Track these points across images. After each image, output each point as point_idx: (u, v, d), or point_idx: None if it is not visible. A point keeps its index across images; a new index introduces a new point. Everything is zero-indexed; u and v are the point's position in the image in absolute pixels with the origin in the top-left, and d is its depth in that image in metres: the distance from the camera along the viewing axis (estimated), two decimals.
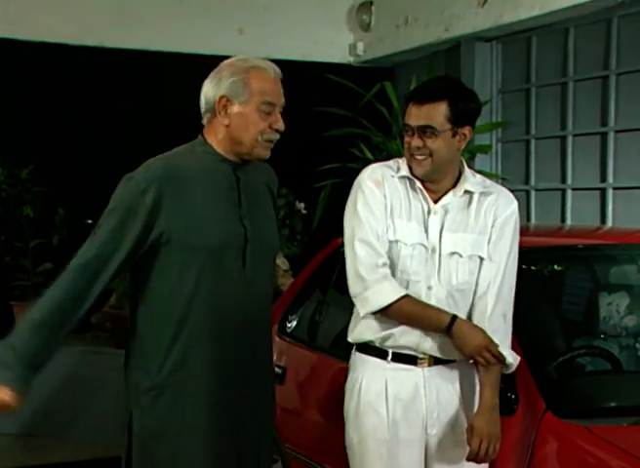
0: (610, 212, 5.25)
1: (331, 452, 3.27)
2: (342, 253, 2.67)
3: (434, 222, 2.59)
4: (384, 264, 2.55)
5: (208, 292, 2.52)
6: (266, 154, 2.60)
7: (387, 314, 2.56)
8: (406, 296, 2.53)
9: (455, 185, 2.62)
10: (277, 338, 3.75)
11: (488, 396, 2.51)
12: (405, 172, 2.61)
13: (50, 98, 6.07)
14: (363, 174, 2.65)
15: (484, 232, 2.60)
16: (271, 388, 2.76)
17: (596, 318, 3.48)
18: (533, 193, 5.84)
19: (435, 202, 2.60)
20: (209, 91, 2.57)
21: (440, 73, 6.05)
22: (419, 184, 2.60)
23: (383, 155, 5.70)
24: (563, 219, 5.59)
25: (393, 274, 2.57)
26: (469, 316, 2.60)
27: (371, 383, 2.62)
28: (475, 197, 2.62)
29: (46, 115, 6.08)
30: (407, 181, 2.62)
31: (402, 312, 2.55)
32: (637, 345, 3.31)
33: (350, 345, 2.76)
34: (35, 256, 5.75)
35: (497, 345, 2.50)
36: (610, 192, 5.26)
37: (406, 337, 2.58)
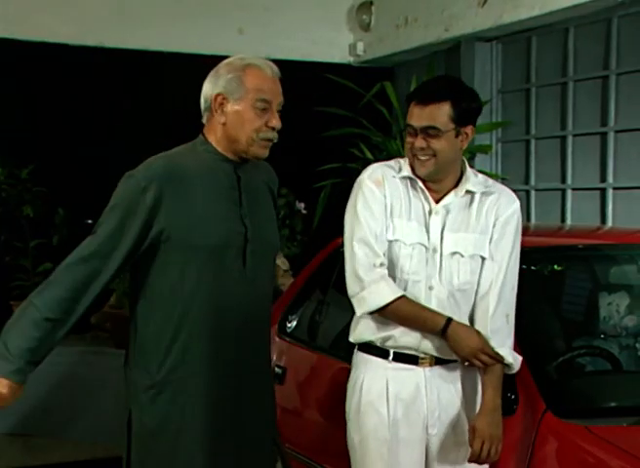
0: (610, 212, 5.25)
1: (331, 452, 3.27)
2: (342, 253, 2.67)
3: (435, 222, 2.59)
4: (382, 265, 2.55)
5: (208, 292, 2.52)
6: (264, 153, 2.60)
7: (384, 315, 2.56)
8: (403, 297, 2.53)
9: (456, 185, 2.62)
10: (277, 338, 3.75)
11: (490, 397, 2.51)
12: (407, 172, 2.61)
13: (50, 98, 6.07)
14: (363, 174, 2.65)
15: (485, 232, 2.60)
16: (271, 388, 2.76)
17: (596, 318, 3.48)
18: (533, 193, 5.84)
19: (437, 202, 2.60)
20: (207, 89, 2.58)
21: (440, 73, 6.05)
22: (420, 184, 2.60)
23: (383, 155, 5.70)
24: (563, 219, 5.59)
25: (393, 274, 2.57)
26: (471, 316, 2.60)
27: (372, 383, 2.62)
28: (477, 197, 2.62)
29: (46, 115, 6.08)
30: (408, 181, 2.62)
31: (398, 313, 2.55)
32: (637, 345, 3.31)
33: (350, 345, 2.76)
34: (35, 256, 5.75)
35: (492, 347, 2.50)
36: (610, 192, 5.26)
37: (406, 338, 2.58)
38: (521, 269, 2.67)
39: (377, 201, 2.58)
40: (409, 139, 2.58)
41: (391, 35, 6.59)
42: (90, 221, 5.56)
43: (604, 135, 5.29)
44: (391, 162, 2.68)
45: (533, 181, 5.85)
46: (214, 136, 2.59)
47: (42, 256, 5.71)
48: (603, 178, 5.31)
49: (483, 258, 2.59)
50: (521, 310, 2.65)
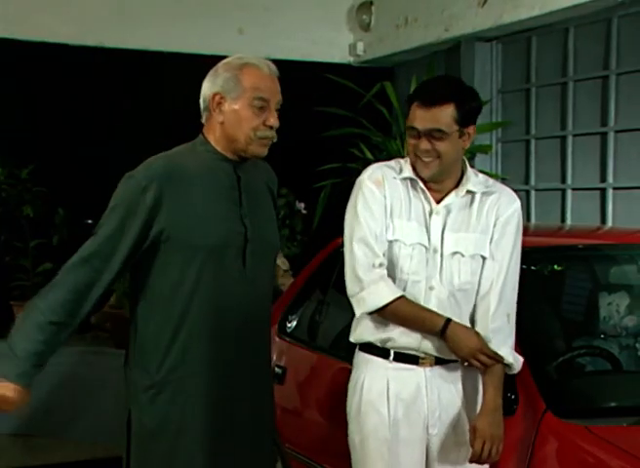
0: (610, 212, 5.25)
1: (331, 452, 3.27)
2: (342, 253, 2.67)
3: (436, 223, 2.58)
4: (381, 265, 2.55)
5: (208, 291, 2.52)
6: (263, 152, 2.59)
7: (383, 315, 2.56)
8: (402, 298, 2.53)
9: (457, 185, 2.62)
10: (277, 338, 3.75)
11: (491, 397, 2.51)
12: (408, 173, 2.61)
13: (50, 98, 6.07)
14: (363, 174, 2.65)
15: (486, 231, 2.60)
16: (270, 388, 2.76)
17: (596, 318, 3.48)
18: (533, 193, 5.84)
19: (438, 202, 2.60)
20: (205, 89, 2.59)
21: (440, 73, 6.05)
22: (421, 185, 2.60)
23: (383, 155, 5.70)
24: (563, 219, 5.59)
25: (393, 274, 2.57)
26: (472, 316, 2.60)
27: (373, 383, 2.62)
28: (477, 197, 2.61)
29: (46, 115, 6.08)
30: (409, 182, 2.61)
31: (397, 313, 2.54)
32: (637, 345, 3.31)
33: (351, 345, 2.76)
34: (35, 256, 5.75)
35: (491, 347, 2.50)
36: (610, 192, 5.26)
37: (405, 339, 2.57)
38: (521, 269, 2.67)
39: (376, 201, 2.58)
40: (412, 141, 2.57)
41: (391, 35, 6.59)
42: (90, 221, 5.58)
43: (604, 135, 5.29)
44: (392, 162, 2.68)
45: (533, 181, 5.85)
46: (213, 136, 2.60)
47: (42, 256, 5.71)
48: (603, 178, 5.31)
49: (484, 258, 2.59)
50: (521, 310, 2.65)
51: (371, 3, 6.81)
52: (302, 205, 6.28)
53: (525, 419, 2.63)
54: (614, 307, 3.40)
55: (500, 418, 2.50)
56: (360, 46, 6.89)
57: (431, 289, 2.57)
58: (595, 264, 3.61)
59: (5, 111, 5.96)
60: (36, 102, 6.06)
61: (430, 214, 2.59)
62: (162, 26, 6.28)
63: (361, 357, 2.69)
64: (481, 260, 2.59)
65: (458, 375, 2.61)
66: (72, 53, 6.12)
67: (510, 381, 2.62)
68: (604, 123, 5.28)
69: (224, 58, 2.65)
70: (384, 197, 2.58)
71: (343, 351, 3.25)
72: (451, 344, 2.51)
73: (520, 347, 2.62)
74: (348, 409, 2.70)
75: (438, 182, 2.60)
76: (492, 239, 2.60)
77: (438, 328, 2.52)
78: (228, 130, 2.56)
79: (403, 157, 2.70)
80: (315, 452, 3.48)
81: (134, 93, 6.30)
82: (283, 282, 5.28)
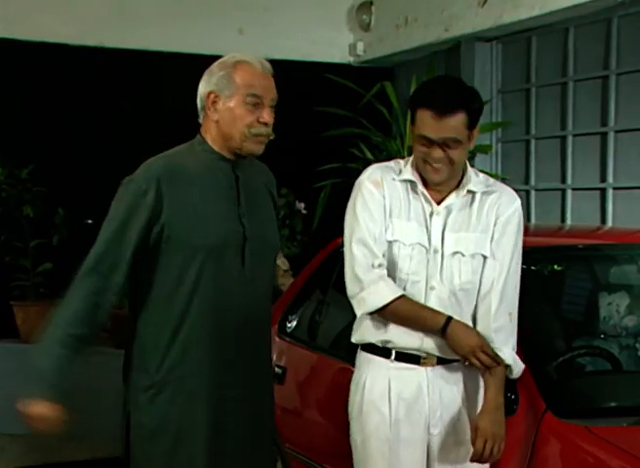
0: (610, 212, 5.25)
1: (331, 452, 3.28)
2: (343, 253, 2.67)
3: (437, 223, 2.58)
4: (381, 265, 2.55)
5: (207, 291, 2.52)
6: (259, 149, 2.59)
7: (383, 315, 2.56)
8: (402, 297, 2.53)
9: (458, 185, 2.61)
10: (277, 338, 3.75)
11: (492, 396, 2.51)
12: (408, 175, 2.60)
13: (50, 98, 6.07)
14: (363, 175, 2.65)
15: (486, 231, 2.60)
16: (270, 388, 2.76)
17: (596, 318, 3.48)
18: (533, 193, 5.84)
19: (438, 203, 2.60)
20: (201, 88, 2.60)
21: (440, 73, 6.05)
22: (421, 187, 2.59)
23: (383, 155, 5.70)
24: (563, 219, 5.58)
25: (393, 274, 2.57)
26: (474, 316, 2.60)
27: (374, 382, 2.62)
28: (477, 196, 2.61)
29: (46, 115, 6.08)
30: (408, 184, 2.61)
31: (398, 313, 2.54)
32: (637, 345, 3.31)
33: (351, 345, 2.76)
34: (35, 256, 5.74)
35: (492, 347, 2.50)
36: (610, 192, 5.26)
37: (406, 339, 2.57)
38: (521, 269, 2.67)
39: (375, 202, 2.58)
40: (422, 149, 2.52)
41: (391, 35, 6.59)
42: (90, 221, 5.59)
43: (604, 135, 5.29)
44: (391, 163, 2.67)
45: (533, 181, 5.85)
46: (210, 136, 2.60)
47: (42, 256, 5.70)
48: (603, 178, 5.31)
49: (484, 257, 2.59)
50: (521, 310, 2.64)
51: (371, 3, 6.81)
52: (302, 205, 6.28)
53: (525, 419, 2.63)
54: (614, 307, 3.40)
55: (501, 417, 2.50)
56: (360, 46, 6.89)
57: (432, 289, 2.56)
58: (595, 264, 3.61)
59: (5, 111, 5.95)
60: (36, 102, 6.05)
61: (431, 215, 2.59)
62: (162, 26, 6.28)
63: (363, 357, 2.69)
64: (482, 260, 2.59)
65: (459, 375, 2.61)
66: (72, 53, 6.11)
67: (510, 381, 2.62)
68: (604, 123, 5.28)
69: None
70: (383, 197, 2.58)
71: (343, 351, 3.25)
72: (451, 342, 2.51)
73: (520, 347, 2.62)
74: (350, 409, 2.70)
75: (440, 184, 2.59)
76: (492, 238, 2.60)
77: (439, 326, 2.51)
78: (223, 128, 2.56)
79: (403, 157, 2.70)
80: (315, 452, 3.48)
81: (134, 93, 6.30)
82: (283, 282, 5.28)
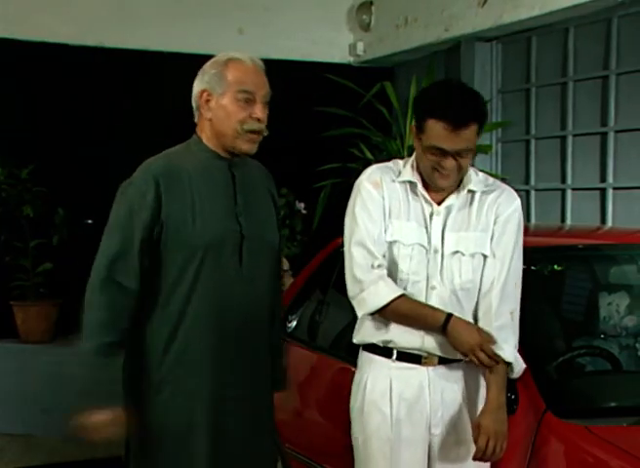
0: (610, 212, 5.25)
1: (331, 452, 3.28)
2: (343, 253, 2.67)
3: (437, 224, 2.58)
4: (380, 266, 2.55)
5: (205, 291, 2.53)
6: (251, 148, 2.58)
7: (384, 315, 2.56)
8: (402, 296, 2.53)
9: (458, 185, 2.61)
10: None
11: (494, 395, 2.50)
12: (408, 176, 2.60)
13: (50, 98, 6.07)
14: (362, 176, 2.65)
15: (486, 230, 2.60)
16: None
17: (596, 318, 3.48)
18: (533, 193, 5.84)
19: (438, 203, 2.60)
20: (195, 88, 2.60)
21: (440, 73, 6.06)
22: (420, 189, 2.59)
23: (383, 155, 5.70)
24: (563, 219, 5.58)
25: (394, 275, 2.57)
26: (475, 315, 2.59)
27: (376, 382, 2.62)
28: (477, 195, 2.61)
29: (46, 115, 6.08)
30: (408, 185, 2.61)
31: (399, 312, 2.54)
32: (637, 345, 3.31)
33: (351, 345, 2.77)
34: (35, 256, 5.75)
35: (492, 345, 2.50)
36: (610, 192, 5.26)
37: (407, 339, 2.57)
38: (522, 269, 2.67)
39: (374, 203, 2.58)
40: (433, 158, 2.50)
41: (391, 35, 6.59)
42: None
43: (604, 135, 5.29)
44: (390, 163, 2.67)
45: (533, 181, 5.85)
46: (205, 135, 2.61)
47: (42, 256, 5.70)
48: (603, 178, 5.31)
49: (485, 256, 2.59)
50: (521, 310, 2.64)
51: (371, 3, 6.81)
52: (302, 205, 6.28)
53: (525, 419, 2.63)
54: (614, 307, 3.40)
55: (503, 416, 2.50)
56: (360, 46, 6.89)
57: (433, 288, 2.57)
58: (595, 264, 3.61)
59: (5, 111, 5.96)
60: (36, 102, 6.05)
61: (431, 215, 2.59)
62: (162, 26, 6.28)
63: (365, 357, 2.69)
64: (482, 259, 2.59)
65: (460, 375, 2.61)
66: (72, 53, 6.11)
67: (511, 381, 2.62)
68: (604, 123, 5.28)
69: None
70: (382, 198, 2.58)
71: (343, 351, 3.25)
72: (451, 339, 2.51)
73: (520, 347, 2.62)
74: (352, 408, 2.70)
75: (445, 188, 2.59)
76: (492, 237, 2.60)
77: (440, 323, 2.51)
78: (217, 126, 2.56)
79: (403, 157, 2.70)
80: (315, 452, 3.48)
81: (134, 93, 6.30)
82: (283, 282, 5.27)
